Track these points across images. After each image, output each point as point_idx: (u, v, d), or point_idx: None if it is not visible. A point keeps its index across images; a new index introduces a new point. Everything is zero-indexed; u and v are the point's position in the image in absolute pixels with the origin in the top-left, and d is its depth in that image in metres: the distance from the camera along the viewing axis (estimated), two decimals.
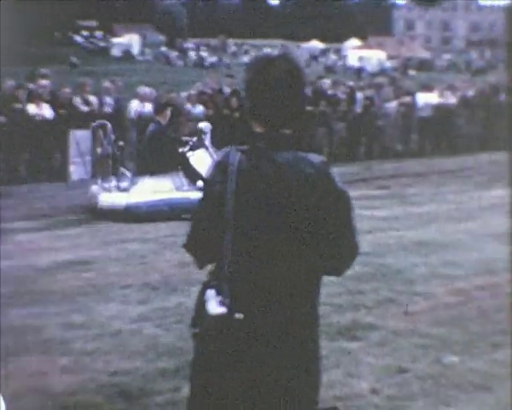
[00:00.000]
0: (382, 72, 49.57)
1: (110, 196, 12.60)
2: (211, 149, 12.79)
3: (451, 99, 21.81)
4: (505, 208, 12.66)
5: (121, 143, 13.91)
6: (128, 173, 13.33)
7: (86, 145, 15.53)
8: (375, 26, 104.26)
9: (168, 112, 13.41)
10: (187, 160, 12.88)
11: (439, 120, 21.13)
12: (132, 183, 12.82)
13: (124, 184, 12.84)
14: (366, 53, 62.59)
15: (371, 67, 53.22)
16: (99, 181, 13.31)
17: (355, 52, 66.14)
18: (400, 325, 6.91)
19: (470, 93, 22.67)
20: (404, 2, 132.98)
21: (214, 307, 2.73)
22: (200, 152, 12.91)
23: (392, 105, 20.87)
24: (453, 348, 6.40)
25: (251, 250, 2.76)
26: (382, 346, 6.31)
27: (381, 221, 11.77)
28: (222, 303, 2.74)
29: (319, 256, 2.78)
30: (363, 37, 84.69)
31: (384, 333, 6.61)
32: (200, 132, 13.21)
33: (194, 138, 13.19)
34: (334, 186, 2.79)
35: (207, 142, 13.14)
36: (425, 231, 10.97)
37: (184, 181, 12.72)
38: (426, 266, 8.97)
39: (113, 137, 13.79)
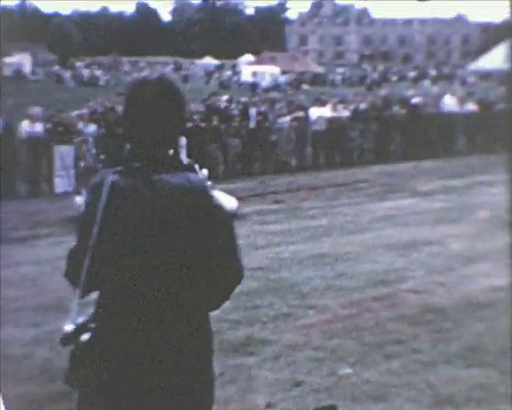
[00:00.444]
0: (276, 87, 50.02)
1: None
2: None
3: (344, 113, 22.12)
4: (397, 219, 12.96)
5: (102, 156, 14.87)
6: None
7: (70, 159, 16.75)
8: (268, 41, 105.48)
9: None
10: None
11: (333, 133, 21.39)
12: None
13: None
14: (260, 68, 63.04)
15: (265, 82, 53.60)
16: (83, 192, 12.66)
17: (249, 68, 66.51)
18: (295, 338, 6.93)
19: (362, 106, 23.02)
20: (296, 18, 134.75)
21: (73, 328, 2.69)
22: None
23: (286, 120, 21.02)
24: (348, 359, 6.44)
25: (126, 275, 2.70)
26: (277, 360, 6.31)
27: (276, 236, 11.82)
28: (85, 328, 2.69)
29: (201, 280, 2.74)
30: (256, 52, 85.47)
31: (279, 347, 6.61)
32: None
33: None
34: (213, 206, 2.77)
35: (183, 155, 12.70)
36: (319, 245, 11.06)
37: None
38: (320, 279, 9.03)
39: (94, 150, 14.92)
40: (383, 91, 29.48)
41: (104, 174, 2.81)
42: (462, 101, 25.04)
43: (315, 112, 21.40)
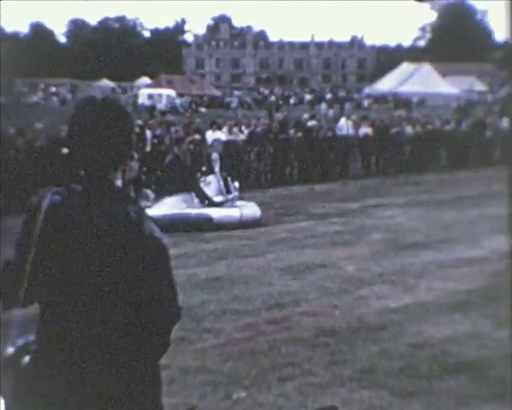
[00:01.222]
0: (172, 110, 49.94)
1: None
2: (218, 175, 15.97)
3: (240, 135, 22.20)
4: (293, 242, 13.04)
5: (144, 168, 17.08)
6: (151, 194, 15.78)
7: None
8: (165, 64, 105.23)
9: (185, 145, 15.98)
10: (198, 184, 15.52)
11: (229, 156, 21.42)
12: (155, 201, 15.09)
13: (147, 203, 14.77)
14: (156, 91, 62.85)
15: (161, 105, 53.42)
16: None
17: (146, 90, 66.21)
18: (189, 362, 6.86)
19: (258, 129, 23.15)
20: (193, 41, 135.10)
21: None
22: (210, 177, 15.97)
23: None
24: (242, 382, 6.42)
25: (61, 298, 2.66)
26: (171, 384, 6.22)
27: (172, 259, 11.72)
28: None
29: (135, 312, 2.70)
30: (153, 75, 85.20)
31: (173, 371, 6.52)
32: (211, 161, 16.40)
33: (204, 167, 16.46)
34: (148, 242, 2.73)
35: (217, 169, 16.13)
36: (215, 268, 11.02)
37: (195, 200, 15.16)
38: (216, 303, 8.98)
39: (137, 164, 16.48)
40: (279, 114, 29.69)
41: (44, 193, 2.74)
42: (356, 124, 25.46)
43: (211, 135, 21.41)
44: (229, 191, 15.82)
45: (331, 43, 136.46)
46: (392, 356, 7.03)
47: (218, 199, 15.38)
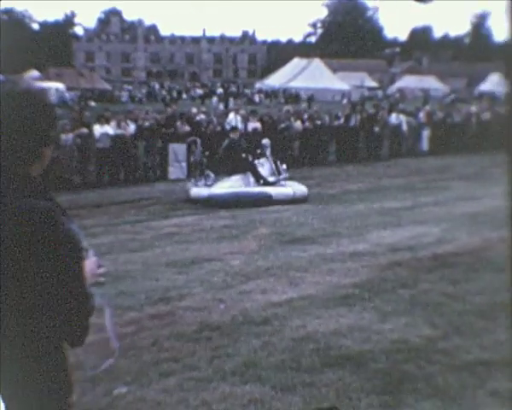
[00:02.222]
0: (61, 103, 48.99)
1: (198, 190, 17.47)
2: (270, 159, 18.27)
3: (128, 129, 21.90)
4: (180, 237, 12.94)
5: (207, 153, 18.95)
6: (212, 175, 18.02)
7: (182, 154, 21.82)
8: (54, 57, 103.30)
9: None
10: (254, 165, 17.83)
11: (117, 150, 21.14)
12: (215, 181, 17.72)
13: (209, 183, 17.71)
14: (45, 84, 61.54)
15: (52, 98, 52.31)
16: (192, 180, 18.51)
17: (34, 83, 64.66)
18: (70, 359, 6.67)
19: (147, 123, 22.91)
20: (84, 34, 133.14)
21: None
22: (263, 160, 18.26)
23: (69, 137, 20.52)
24: (124, 378, 6.31)
25: None
26: None
27: None
28: None
29: (46, 309, 2.66)
30: (42, 68, 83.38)
31: None
32: (263, 146, 18.60)
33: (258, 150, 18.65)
34: (59, 237, 2.65)
35: (268, 153, 18.47)
36: None
37: (251, 180, 17.59)
38: (101, 298, 8.78)
39: (201, 149, 19.05)
40: (169, 109, 29.46)
41: None
42: (245, 118, 25.49)
43: (98, 129, 21.06)
44: (279, 173, 18.10)
45: (222, 38, 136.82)
46: (274, 350, 7.02)
47: (270, 179, 17.81)
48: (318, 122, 27.11)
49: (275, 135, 24.74)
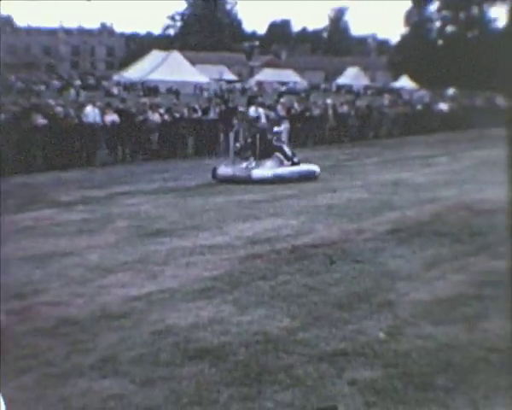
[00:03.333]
0: None
1: (260, 171, 19.65)
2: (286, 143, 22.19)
3: None
4: (36, 231, 12.62)
5: (249, 140, 20.97)
6: (252, 158, 20.33)
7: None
8: None
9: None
10: (283, 148, 20.86)
11: None
12: (257, 164, 20.04)
13: (252, 165, 20.04)
14: None
15: None
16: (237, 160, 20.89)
17: None
18: None
19: (2, 116, 22.20)
20: None
21: None
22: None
23: None
24: None
25: None
26: None
27: None
28: None
29: None
30: None
31: None
32: (277, 132, 21.78)
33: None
34: None
35: (284, 138, 22.34)
36: None
37: (284, 160, 20.34)
38: None
39: (243, 136, 21.69)
40: (26, 101, 28.71)
41: None
42: (103, 111, 25.09)
43: None
44: (293, 155, 20.96)
45: (80, 30, 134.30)
46: (133, 344, 6.96)
47: (295, 160, 20.67)
48: (177, 115, 27.02)
49: (133, 127, 24.56)
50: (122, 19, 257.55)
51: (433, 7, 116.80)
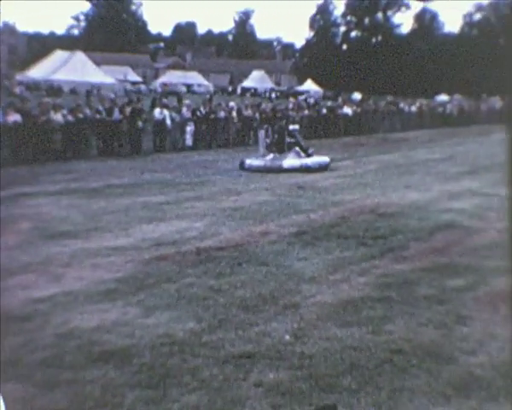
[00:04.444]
0: None
1: (290, 161, 23.21)
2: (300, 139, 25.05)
3: None
4: None
5: (276, 136, 24.07)
6: (277, 153, 23.64)
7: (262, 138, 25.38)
8: None
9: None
10: (300, 143, 24.32)
11: None
12: (281, 157, 23.38)
13: (276, 157, 23.41)
14: None
15: None
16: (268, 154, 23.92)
17: None
18: None
19: None
20: None
21: None
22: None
23: None
24: None
25: None
26: None
27: None
28: None
29: None
30: None
31: None
32: (293, 130, 24.74)
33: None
34: None
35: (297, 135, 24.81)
36: None
37: (301, 153, 23.83)
38: None
39: (270, 134, 24.32)
40: None
41: None
42: (5, 111, 24.52)
43: None
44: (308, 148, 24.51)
45: None
46: (36, 347, 6.83)
47: (310, 151, 24.13)
48: (80, 115, 26.63)
49: (36, 127, 24.12)
50: (24, 18, 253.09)
51: (338, 12, 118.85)
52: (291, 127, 25.18)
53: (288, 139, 23.89)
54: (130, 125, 27.70)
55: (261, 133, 25.19)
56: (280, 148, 23.70)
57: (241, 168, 22.86)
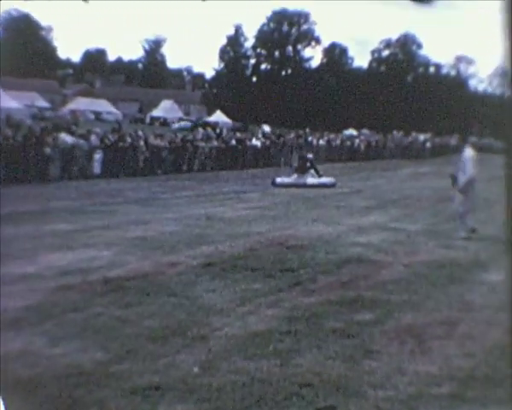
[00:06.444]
0: None
1: (311, 179, 31.15)
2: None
3: None
4: None
5: (300, 162, 33.43)
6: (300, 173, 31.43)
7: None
8: None
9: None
10: (315, 166, 32.66)
11: None
12: (303, 176, 31.04)
13: (300, 177, 31.04)
14: None
15: None
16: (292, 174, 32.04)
17: None
18: None
19: None
20: None
21: None
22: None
23: None
24: None
25: None
26: None
27: None
28: None
29: None
30: None
31: None
32: (309, 158, 33.23)
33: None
34: None
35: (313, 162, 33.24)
36: None
37: (315, 174, 31.61)
38: None
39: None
40: None
41: None
42: None
43: None
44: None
45: None
46: None
47: (321, 173, 32.00)
48: None
49: None
50: None
51: (249, 44, 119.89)
52: (308, 156, 33.55)
53: (311, 163, 32.00)
54: (37, 151, 27.30)
55: (294, 157, 37.63)
56: (302, 170, 31.37)
57: (272, 185, 29.64)
